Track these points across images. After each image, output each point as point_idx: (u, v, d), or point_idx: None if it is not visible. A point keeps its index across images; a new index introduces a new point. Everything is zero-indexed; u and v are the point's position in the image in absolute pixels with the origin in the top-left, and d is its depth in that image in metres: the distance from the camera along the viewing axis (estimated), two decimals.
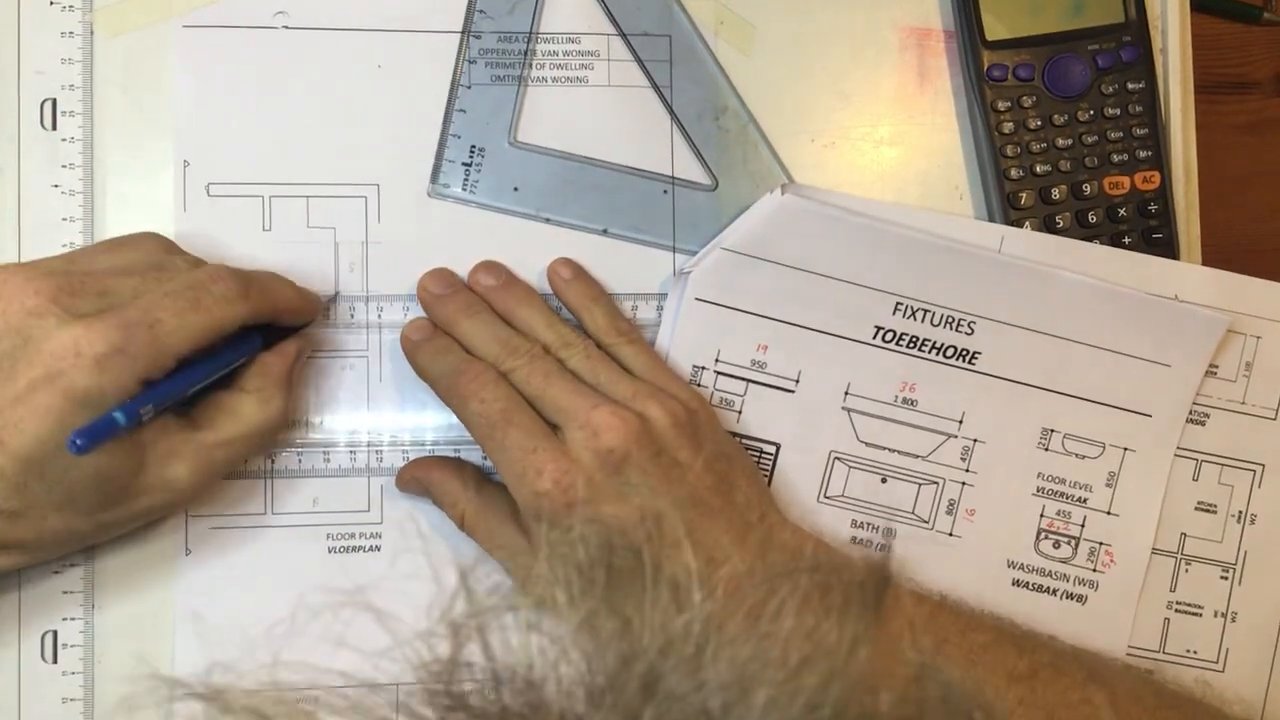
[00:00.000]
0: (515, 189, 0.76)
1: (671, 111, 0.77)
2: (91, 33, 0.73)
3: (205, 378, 0.66)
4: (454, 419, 0.71)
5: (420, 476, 0.74)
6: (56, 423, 0.60)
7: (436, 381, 0.71)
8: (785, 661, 0.42)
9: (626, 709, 0.40)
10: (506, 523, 0.70)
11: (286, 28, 0.75)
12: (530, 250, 0.76)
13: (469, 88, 0.76)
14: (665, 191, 0.77)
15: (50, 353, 0.60)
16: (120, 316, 0.61)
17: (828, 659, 0.42)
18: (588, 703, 0.40)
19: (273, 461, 0.74)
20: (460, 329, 0.72)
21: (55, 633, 0.72)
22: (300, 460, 0.74)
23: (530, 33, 0.76)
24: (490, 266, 0.75)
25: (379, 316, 0.75)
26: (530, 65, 0.76)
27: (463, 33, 0.76)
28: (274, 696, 0.42)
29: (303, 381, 0.74)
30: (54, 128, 0.73)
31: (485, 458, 0.74)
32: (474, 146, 0.76)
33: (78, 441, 0.58)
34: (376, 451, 0.75)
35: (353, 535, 0.74)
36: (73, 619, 0.72)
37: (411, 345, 0.72)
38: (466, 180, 0.76)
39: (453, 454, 0.75)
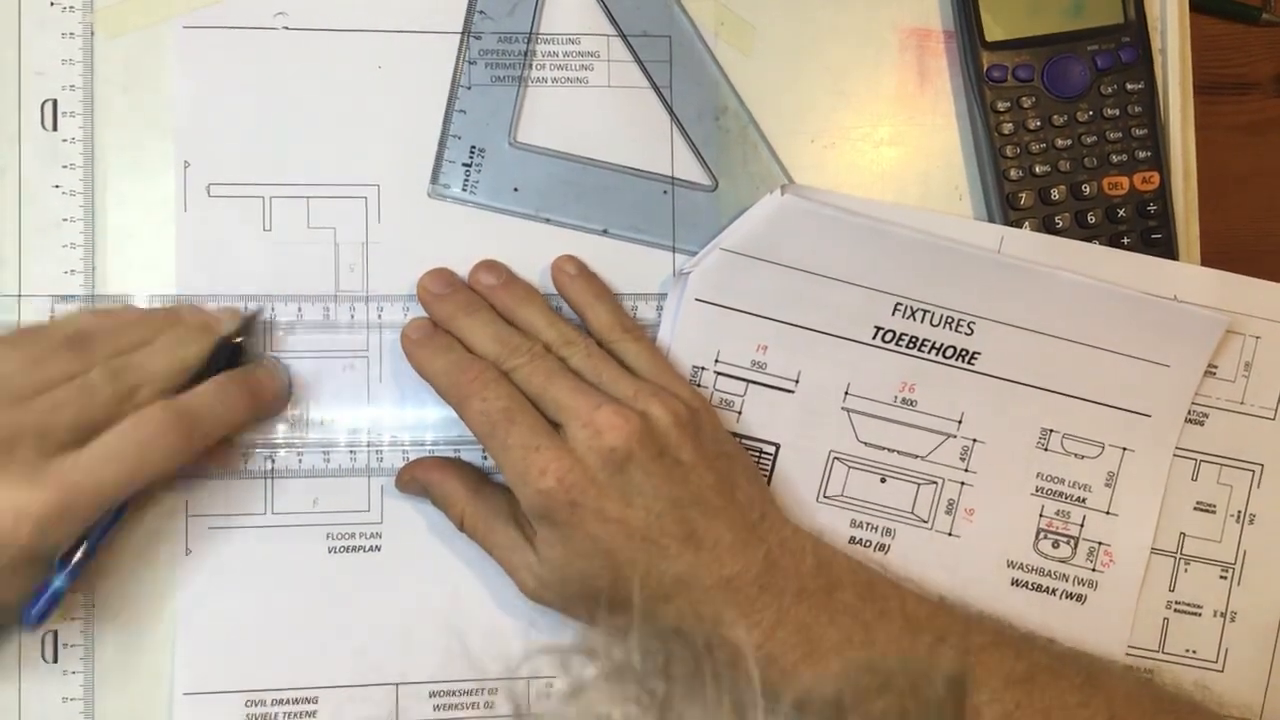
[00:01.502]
0: (515, 189, 0.76)
1: (671, 112, 0.77)
2: (92, 33, 0.73)
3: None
4: (454, 418, 0.71)
5: (420, 477, 0.74)
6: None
7: (437, 379, 0.71)
8: None
9: None
10: (506, 523, 0.70)
11: (287, 28, 0.75)
12: (531, 250, 0.76)
13: (469, 88, 0.76)
14: (665, 192, 0.77)
15: None
16: (63, 478, 0.62)
17: None
18: None
19: (273, 462, 0.74)
20: (460, 327, 0.72)
21: (55, 633, 0.72)
22: (300, 460, 0.74)
23: (530, 33, 0.76)
24: (490, 265, 0.75)
25: (379, 316, 0.75)
26: (530, 66, 0.76)
27: (463, 33, 0.76)
28: None
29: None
30: (54, 128, 0.73)
31: (486, 457, 0.74)
32: (474, 147, 0.76)
33: (33, 621, 0.63)
34: (377, 451, 0.75)
35: (353, 535, 0.74)
36: (73, 619, 0.72)
37: (411, 344, 0.72)
38: (467, 181, 0.76)
39: (452, 454, 0.75)
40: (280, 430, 0.74)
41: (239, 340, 0.71)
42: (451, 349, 0.71)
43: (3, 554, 0.61)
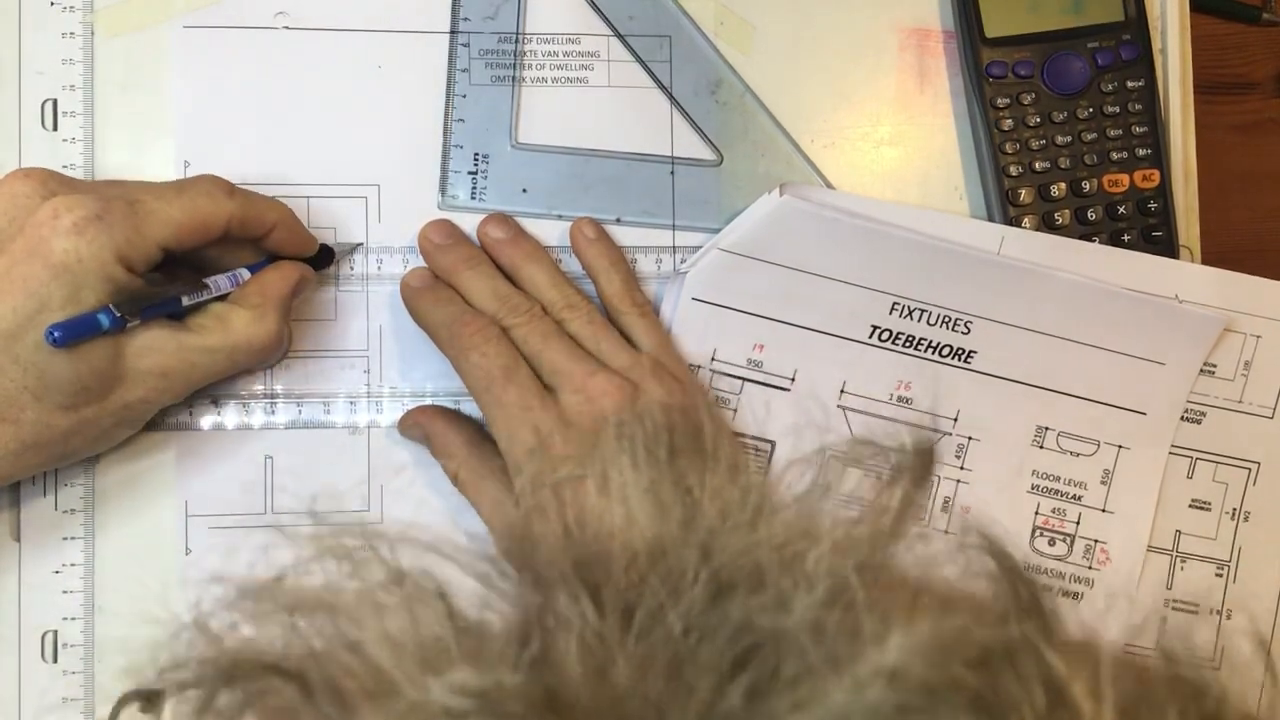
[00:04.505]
0: (524, 190, 0.76)
1: (671, 96, 0.78)
2: (92, 33, 0.74)
3: (198, 295, 0.67)
4: (456, 384, 0.72)
5: (424, 424, 0.74)
6: (31, 293, 0.60)
7: (436, 330, 0.71)
8: (838, 521, 0.43)
9: (686, 567, 0.41)
10: (496, 481, 0.70)
11: (287, 28, 0.75)
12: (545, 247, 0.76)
13: (464, 97, 0.76)
14: (672, 173, 0.77)
15: (33, 223, 0.61)
16: (101, 191, 0.63)
17: (878, 520, 0.45)
18: (649, 562, 0.41)
19: (272, 460, 0.74)
20: (460, 280, 0.72)
21: (55, 632, 0.72)
22: (300, 410, 0.75)
23: (516, 33, 0.76)
24: (500, 220, 0.75)
25: (379, 268, 0.75)
26: (522, 66, 0.76)
27: (451, 40, 0.76)
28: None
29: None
30: (55, 128, 0.73)
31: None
32: (477, 154, 0.76)
33: (55, 334, 0.59)
34: (377, 404, 0.75)
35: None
36: (73, 619, 0.72)
37: (411, 292, 0.73)
38: (474, 189, 0.76)
39: (453, 404, 0.76)
40: (280, 386, 0.75)
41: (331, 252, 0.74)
42: (452, 301, 0.71)
43: (43, 254, 0.61)
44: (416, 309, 0.72)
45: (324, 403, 0.75)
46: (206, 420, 0.74)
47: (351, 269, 0.75)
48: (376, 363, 0.75)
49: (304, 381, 0.75)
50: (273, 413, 0.74)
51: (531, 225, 0.76)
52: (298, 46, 0.75)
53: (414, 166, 0.76)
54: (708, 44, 0.77)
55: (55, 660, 0.72)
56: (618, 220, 0.77)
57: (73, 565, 0.72)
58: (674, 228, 0.77)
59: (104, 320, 0.61)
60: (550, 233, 0.76)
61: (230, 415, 0.74)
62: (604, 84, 0.77)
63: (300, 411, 0.75)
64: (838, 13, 0.79)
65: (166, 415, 0.73)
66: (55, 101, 0.73)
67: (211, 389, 0.73)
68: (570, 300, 0.72)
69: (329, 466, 0.75)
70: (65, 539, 0.72)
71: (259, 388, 0.74)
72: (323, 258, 0.73)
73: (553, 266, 0.74)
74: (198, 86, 0.74)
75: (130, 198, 0.63)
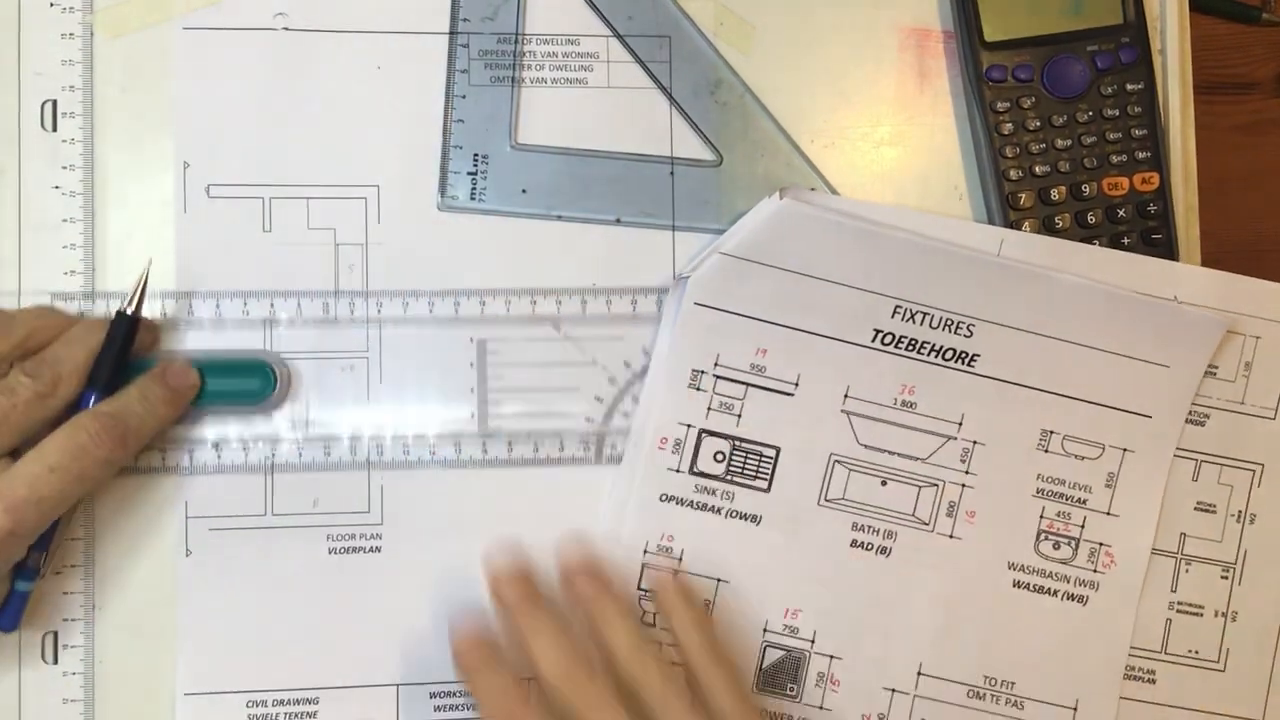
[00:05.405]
0: (523, 191, 0.76)
1: (670, 96, 0.78)
2: (92, 34, 0.74)
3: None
4: (452, 417, 0.72)
5: (467, 671, 0.69)
6: None
7: (481, 708, 0.66)
8: None
9: None
10: None
11: (286, 29, 0.75)
12: (547, 247, 0.76)
13: (464, 98, 0.76)
14: (671, 173, 0.77)
15: None
16: (8, 498, 0.63)
17: None
18: None
19: (273, 459, 0.74)
20: (526, 643, 0.67)
21: (56, 633, 0.72)
22: (301, 454, 0.74)
23: (516, 34, 0.76)
24: (589, 571, 0.71)
25: (379, 311, 0.75)
26: (521, 67, 0.76)
27: (450, 42, 0.76)
28: None
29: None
30: (54, 129, 0.73)
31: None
32: (477, 155, 0.76)
33: (10, 627, 0.69)
34: (378, 444, 0.75)
35: (353, 536, 0.74)
36: (73, 620, 0.72)
37: (466, 665, 0.68)
38: (474, 189, 0.75)
39: (452, 448, 0.75)
40: (282, 427, 0.74)
41: (135, 314, 0.70)
42: (505, 692, 0.66)
43: None
44: (468, 683, 0.68)
45: (324, 444, 0.75)
46: (209, 464, 0.74)
47: (352, 314, 0.75)
48: (377, 400, 0.75)
49: (304, 426, 0.74)
50: (273, 454, 0.74)
51: (531, 226, 0.76)
52: (297, 47, 0.75)
53: (414, 167, 0.75)
54: (707, 44, 0.78)
55: (55, 661, 0.72)
56: (617, 220, 0.77)
57: (73, 566, 0.72)
58: (674, 228, 0.77)
59: (28, 588, 0.69)
60: (551, 233, 0.76)
61: (231, 455, 0.74)
62: (603, 85, 0.77)
63: (301, 455, 0.74)
64: (838, 13, 0.79)
65: (167, 458, 0.73)
66: (55, 102, 0.73)
67: (210, 429, 0.74)
68: (645, 669, 0.66)
69: (329, 468, 0.74)
70: (65, 540, 0.72)
71: (262, 429, 0.74)
72: (130, 325, 0.70)
73: (635, 630, 0.68)
74: (197, 87, 0.74)
75: (35, 496, 0.63)
